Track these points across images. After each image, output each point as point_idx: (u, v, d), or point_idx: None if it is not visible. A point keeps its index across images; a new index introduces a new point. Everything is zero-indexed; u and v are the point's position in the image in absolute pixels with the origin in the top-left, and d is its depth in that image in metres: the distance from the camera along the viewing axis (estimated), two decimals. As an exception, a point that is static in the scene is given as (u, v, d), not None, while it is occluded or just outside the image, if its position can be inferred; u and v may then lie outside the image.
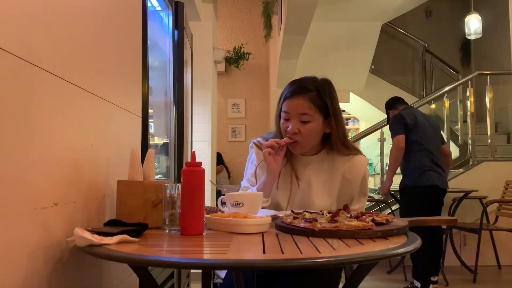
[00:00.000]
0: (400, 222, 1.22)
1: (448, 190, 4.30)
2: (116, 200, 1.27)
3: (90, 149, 1.25)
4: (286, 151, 1.58)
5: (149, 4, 2.00)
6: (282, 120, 1.56)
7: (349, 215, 1.21)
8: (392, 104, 3.88)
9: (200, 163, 1.17)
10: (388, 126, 4.95)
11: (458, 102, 5.28)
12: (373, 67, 6.61)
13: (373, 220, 1.16)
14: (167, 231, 1.19)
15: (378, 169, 5.86)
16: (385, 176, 5.02)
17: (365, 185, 1.61)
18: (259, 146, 1.66)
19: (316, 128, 1.54)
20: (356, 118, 8.93)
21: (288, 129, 1.52)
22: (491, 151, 4.85)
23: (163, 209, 1.21)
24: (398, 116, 3.60)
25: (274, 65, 6.64)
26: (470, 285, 3.79)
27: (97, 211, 1.30)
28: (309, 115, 1.51)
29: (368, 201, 4.68)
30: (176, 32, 2.46)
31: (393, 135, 3.57)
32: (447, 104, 5.30)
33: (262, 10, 5.66)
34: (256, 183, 1.62)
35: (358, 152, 1.60)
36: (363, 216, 1.19)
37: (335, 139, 1.56)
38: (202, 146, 4.27)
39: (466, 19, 5.97)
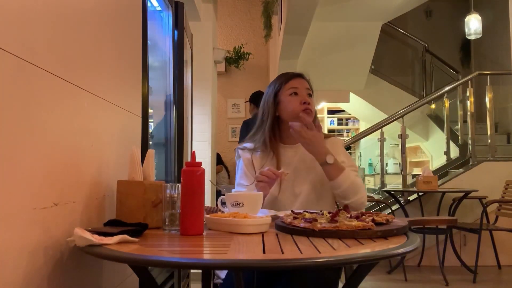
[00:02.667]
0: (400, 222, 1.22)
1: (448, 190, 4.31)
2: (116, 200, 1.27)
3: (90, 149, 1.25)
4: (271, 143, 1.70)
5: (149, 4, 2.00)
6: (288, 98, 1.70)
7: (349, 215, 1.21)
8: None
9: (200, 163, 1.17)
10: (389, 125, 4.99)
11: (458, 102, 5.27)
12: (373, 67, 6.61)
13: (373, 220, 1.16)
14: (167, 231, 1.19)
15: (378, 169, 5.86)
16: (385, 176, 5.04)
17: (348, 156, 1.75)
18: (245, 149, 1.77)
19: None
20: (356, 118, 8.93)
21: (303, 100, 1.68)
22: (491, 151, 4.84)
23: (163, 209, 1.21)
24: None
25: (274, 65, 6.63)
26: (470, 285, 3.78)
27: (97, 211, 1.30)
28: (311, 91, 1.75)
29: (368, 201, 4.70)
30: (176, 32, 2.46)
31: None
32: (447, 104, 5.30)
33: (262, 10, 5.66)
34: (246, 184, 1.67)
35: (333, 135, 1.82)
36: (363, 216, 1.19)
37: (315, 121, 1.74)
38: (202, 146, 4.27)
39: (466, 19, 5.97)
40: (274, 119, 1.72)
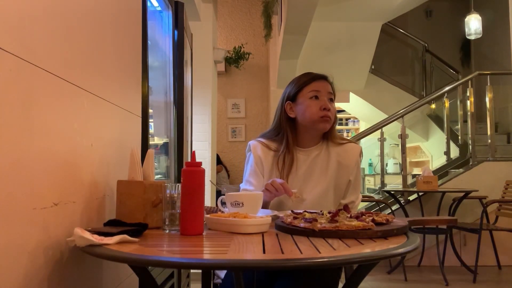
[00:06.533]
0: (400, 222, 1.22)
1: (448, 190, 4.31)
2: (116, 200, 1.27)
3: (90, 149, 1.25)
4: (288, 143, 1.65)
5: (149, 4, 2.00)
6: (307, 102, 1.62)
7: (349, 215, 1.21)
8: None
9: (200, 163, 1.17)
10: (389, 125, 4.99)
11: (458, 102, 5.27)
12: (373, 67, 6.60)
13: (373, 220, 1.16)
14: (167, 231, 1.19)
15: (378, 169, 5.86)
16: (385, 176, 5.04)
17: (358, 176, 1.67)
18: (257, 145, 1.70)
19: None
20: (356, 118, 8.93)
21: (323, 105, 1.60)
22: (491, 151, 4.85)
23: (163, 209, 1.21)
24: None
25: (274, 65, 6.64)
26: (470, 285, 3.78)
27: (97, 211, 1.30)
28: (333, 95, 1.67)
29: (368, 201, 4.71)
30: (176, 32, 2.46)
31: None
32: (447, 104, 5.30)
33: (262, 10, 5.66)
34: (255, 183, 1.64)
35: (350, 141, 1.72)
36: (363, 216, 1.19)
37: (334, 126, 1.68)
38: (202, 146, 4.27)
39: (466, 19, 5.97)
40: (291, 120, 1.67)
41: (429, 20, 7.71)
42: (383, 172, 5.02)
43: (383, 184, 4.93)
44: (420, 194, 4.42)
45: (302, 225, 1.14)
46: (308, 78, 1.66)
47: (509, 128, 5.95)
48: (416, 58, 7.45)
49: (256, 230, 1.16)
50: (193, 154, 1.21)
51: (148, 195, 1.25)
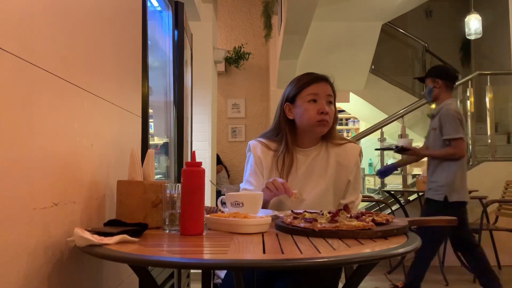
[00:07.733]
0: (400, 222, 1.22)
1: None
2: (116, 200, 1.27)
3: (90, 149, 1.25)
4: (287, 144, 1.65)
5: (149, 4, 2.00)
6: (305, 105, 1.61)
7: (349, 215, 1.21)
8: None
9: (200, 163, 1.17)
10: (389, 125, 4.99)
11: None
12: (373, 67, 6.61)
13: (373, 220, 1.16)
14: (167, 231, 1.19)
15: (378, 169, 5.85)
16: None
17: (358, 176, 1.66)
18: (257, 146, 1.70)
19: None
20: (356, 118, 8.93)
21: (321, 109, 1.59)
22: (491, 151, 4.84)
23: (163, 209, 1.21)
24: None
25: (274, 65, 6.64)
26: (470, 285, 3.78)
27: (97, 211, 1.30)
28: (333, 97, 1.65)
29: (368, 201, 4.71)
30: (176, 32, 2.46)
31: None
32: (447, 104, 5.29)
33: (262, 10, 5.66)
34: (254, 183, 1.64)
35: (350, 141, 1.71)
36: (363, 216, 1.19)
37: (333, 127, 1.67)
38: (202, 146, 4.27)
39: (466, 19, 5.97)
40: (290, 121, 1.66)
41: (429, 20, 7.71)
42: (383, 172, 5.02)
43: (383, 184, 4.94)
44: (420, 194, 4.41)
45: (302, 225, 1.14)
46: (308, 80, 1.64)
47: (509, 128, 5.94)
48: (416, 58, 7.45)
49: (256, 230, 1.16)
50: (193, 154, 1.21)
51: (148, 195, 1.25)
